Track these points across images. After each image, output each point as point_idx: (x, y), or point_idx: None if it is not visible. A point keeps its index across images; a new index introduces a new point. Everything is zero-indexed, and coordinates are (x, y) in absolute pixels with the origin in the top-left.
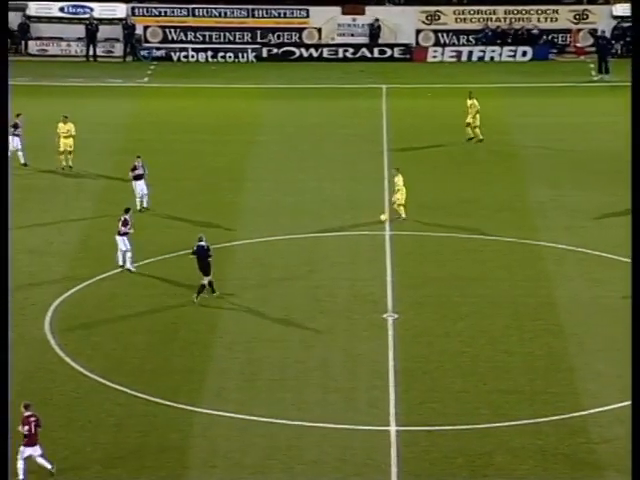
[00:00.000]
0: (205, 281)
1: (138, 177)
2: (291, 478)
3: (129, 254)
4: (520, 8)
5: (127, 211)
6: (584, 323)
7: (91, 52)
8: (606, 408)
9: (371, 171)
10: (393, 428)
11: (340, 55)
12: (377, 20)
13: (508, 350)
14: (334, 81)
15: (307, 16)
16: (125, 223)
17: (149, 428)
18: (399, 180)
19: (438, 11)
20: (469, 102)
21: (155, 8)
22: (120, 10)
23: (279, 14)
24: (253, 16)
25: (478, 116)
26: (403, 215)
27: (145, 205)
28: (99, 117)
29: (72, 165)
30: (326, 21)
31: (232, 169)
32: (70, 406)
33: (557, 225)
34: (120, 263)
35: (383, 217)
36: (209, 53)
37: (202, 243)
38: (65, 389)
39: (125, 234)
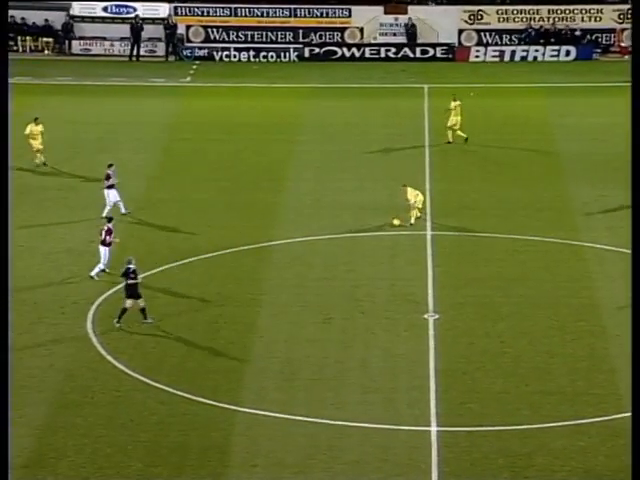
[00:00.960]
0: (128, 305)
1: (111, 186)
2: (332, 478)
3: (101, 264)
4: (564, 7)
5: (110, 220)
6: (626, 324)
7: (135, 52)
8: None
9: (412, 171)
10: (434, 428)
11: (382, 55)
12: (411, 19)
13: (550, 351)
14: (376, 81)
15: (349, 16)
16: (110, 232)
17: (190, 427)
18: (408, 194)
19: (481, 10)
20: (453, 104)
21: (197, 8)
22: (163, 10)
23: (321, 14)
24: (295, 16)
25: (459, 118)
26: (412, 220)
27: (124, 211)
28: (142, 116)
29: (46, 162)
30: (368, 21)
31: (273, 169)
32: (112, 404)
33: (599, 225)
34: (94, 273)
35: (396, 222)
36: (251, 53)
37: (130, 266)
38: (107, 387)
39: (109, 244)
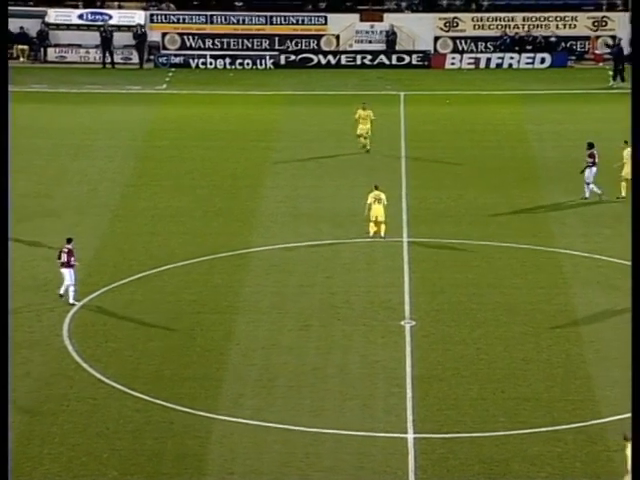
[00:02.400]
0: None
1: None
2: None
3: (73, 288)
4: (539, 15)
5: (69, 241)
6: (601, 330)
7: (108, 60)
8: (624, 416)
9: (389, 178)
10: (410, 435)
11: (358, 62)
12: (392, 26)
13: (525, 357)
14: (352, 88)
15: (325, 23)
16: (71, 254)
17: (166, 435)
18: (372, 195)
19: (456, 18)
20: (362, 113)
21: (173, 15)
22: (138, 17)
23: (297, 21)
24: (271, 23)
25: (368, 127)
26: (370, 232)
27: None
28: (118, 123)
29: None
30: (344, 28)
31: (249, 176)
32: (87, 412)
33: (574, 232)
34: (61, 292)
35: (373, 229)
36: (227, 60)
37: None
38: (82, 395)
39: (71, 266)
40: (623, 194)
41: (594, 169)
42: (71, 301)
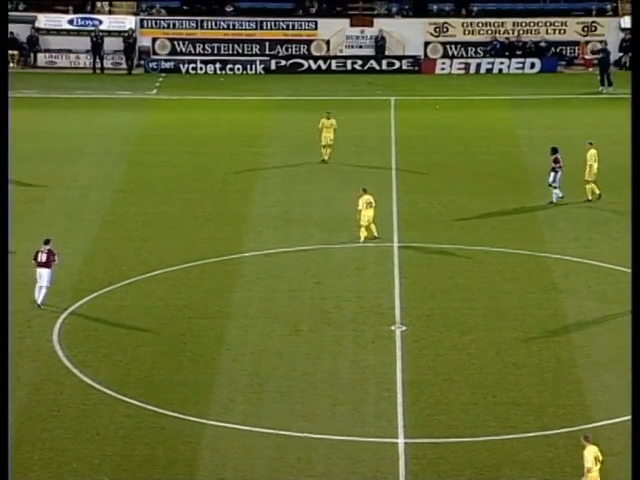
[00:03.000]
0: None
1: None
2: None
3: (44, 291)
4: (528, 20)
5: (47, 242)
6: (592, 335)
7: (98, 65)
8: (614, 420)
9: (379, 183)
10: (401, 440)
11: (348, 67)
12: (381, 31)
13: (516, 362)
14: (342, 93)
15: (315, 28)
16: (51, 254)
17: (157, 440)
18: (363, 200)
19: (446, 23)
20: (326, 122)
21: (164, 20)
22: (129, 22)
23: (287, 26)
24: (261, 28)
25: (331, 136)
26: (362, 238)
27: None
28: (108, 129)
29: None
30: (334, 33)
31: (240, 181)
32: (78, 418)
33: (565, 237)
34: (37, 297)
35: (363, 234)
36: (217, 65)
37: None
38: (73, 401)
39: (49, 266)
40: (589, 197)
41: (559, 173)
42: (40, 301)
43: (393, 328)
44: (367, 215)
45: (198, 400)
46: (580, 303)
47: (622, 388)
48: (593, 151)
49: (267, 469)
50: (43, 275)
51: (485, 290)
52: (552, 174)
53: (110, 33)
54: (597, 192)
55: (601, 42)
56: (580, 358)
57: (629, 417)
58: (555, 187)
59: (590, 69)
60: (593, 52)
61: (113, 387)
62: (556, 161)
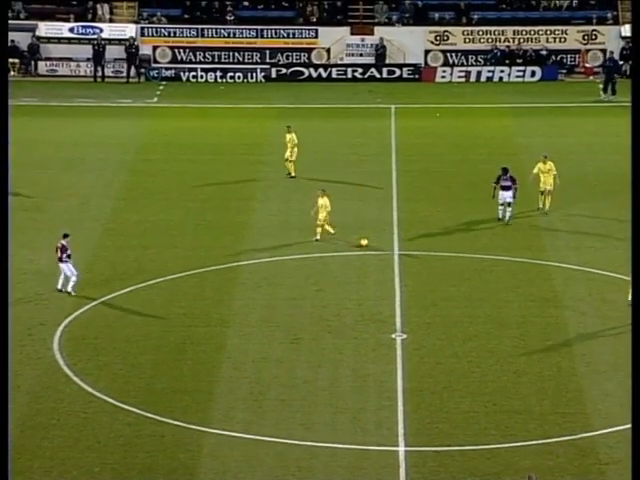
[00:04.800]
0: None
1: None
2: None
3: (74, 278)
4: (529, 29)
5: (65, 236)
6: (592, 343)
7: (99, 73)
8: (615, 429)
9: (379, 191)
10: (402, 449)
11: (349, 75)
12: (382, 40)
13: (517, 370)
14: (343, 101)
15: (316, 36)
16: (64, 249)
17: (157, 448)
18: (323, 201)
19: (447, 31)
20: (287, 136)
21: (164, 29)
22: (129, 30)
23: (288, 34)
24: (262, 36)
25: (296, 150)
26: (317, 236)
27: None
28: (109, 137)
29: None
30: (335, 41)
31: (240, 189)
32: (78, 426)
33: (565, 245)
34: (59, 287)
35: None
36: (218, 73)
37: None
38: (73, 409)
39: (66, 261)
40: (541, 205)
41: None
42: (69, 289)
43: (394, 336)
44: (322, 215)
45: (198, 408)
46: (580, 311)
47: (622, 396)
48: (550, 163)
49: (268, 477)
50: (64, 269)
51: (485, 298)
52: (511, 192)
53: (111, 41)
54: (540, 205)
55: (602, 50)
56: (580, 366)
57: (629, 425)
58: (509, 204)
59: (591, 77)
60: (605, 61)
61: (113, 395)
62: (513, 180)
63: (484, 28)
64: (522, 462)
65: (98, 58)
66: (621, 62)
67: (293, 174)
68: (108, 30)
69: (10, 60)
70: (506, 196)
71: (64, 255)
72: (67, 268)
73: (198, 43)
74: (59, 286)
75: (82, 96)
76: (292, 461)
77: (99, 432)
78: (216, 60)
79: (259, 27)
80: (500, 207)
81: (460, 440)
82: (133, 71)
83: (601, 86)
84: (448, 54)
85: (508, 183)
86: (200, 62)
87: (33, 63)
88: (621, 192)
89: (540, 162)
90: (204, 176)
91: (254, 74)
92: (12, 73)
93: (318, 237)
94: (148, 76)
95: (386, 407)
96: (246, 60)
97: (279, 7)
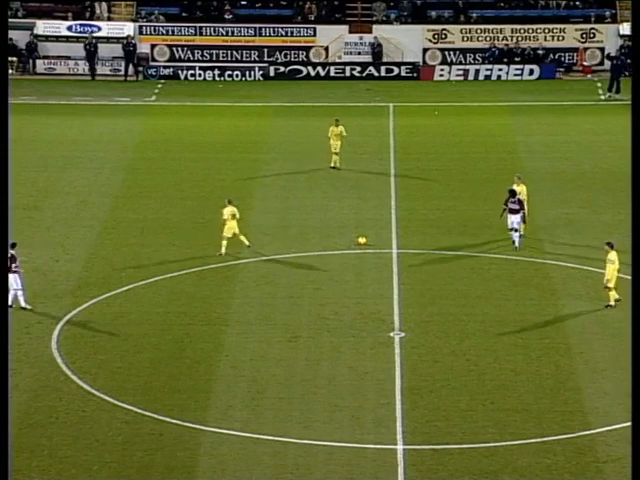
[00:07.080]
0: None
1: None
2: None
3: (20, 292)
4: (527, 27)
5: (13, 246)
6: (590, 342)
7: (95, 71)
8: (613, 427)
9: (378, 190)
10: (400, 447)
11: (347, 73)
12: (376, 38)
13: (515, 369)
14: (341, 99)
15: (314, 35)
16: (13, 260)
17: (156, 446)
18: (228, 211)
19: (445, 30)
20: (335, 129)
21: (162, 27)
22: (128, 29)
23: (286, 33)
24: (260, 35)
25: (339, 143)
26: (223, 250)
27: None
28: (107, 135)
29: None
30: (333, 40)
31: (238, 187)
32: (76, 424)
33: (564, 243)
34: (10, 303)
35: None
36: (216, 72)
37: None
38: (71, 407)
39: (15, 271)
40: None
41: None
42: (23, 305)
43: (392, 334)
44: (231, 227)
45: (197, 406)
46: (579, 310)
47: (621, 395)
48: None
49: (266, 475)
50: (11, 281)
51: (484, 296)
52: (519, 217)
53: (109, 40)
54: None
55: (600, 49)
56: (579, 364)
57: (628, 423)
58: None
59: (589, 75)
60: (609, 58)
61: (112, 393)
62: (521, 204)
63: (482, 26)
64: (520, 460)
65: (91, 57)
66: (628, 61)
67: (338, 166)
68: (106, 28)
69: (8, 58)
70: (514, 220)
71: (13, 265)
72: (14, 280)
73: (196, 41)
74: (9, 302)
75: (80, 94)
76: (290, 459)
77: (97, 430)
78: (214, 58)
79: (257, 25)
80: (509, 232)
81: (458, 438)
82: (131, 69)
83: (599, 84)
84: (446, 52)
85: (516, 207)
86: (198, 60)
87: (31, 61)
88: (619, 190)
89: (514, 183)
90: (202, 174)
91: (252, 72)
92: (10, 71)
93: (223, 251)
94: (146, 74)
95: (384, 405)
96: (244, 58)
97: (277, 5)
